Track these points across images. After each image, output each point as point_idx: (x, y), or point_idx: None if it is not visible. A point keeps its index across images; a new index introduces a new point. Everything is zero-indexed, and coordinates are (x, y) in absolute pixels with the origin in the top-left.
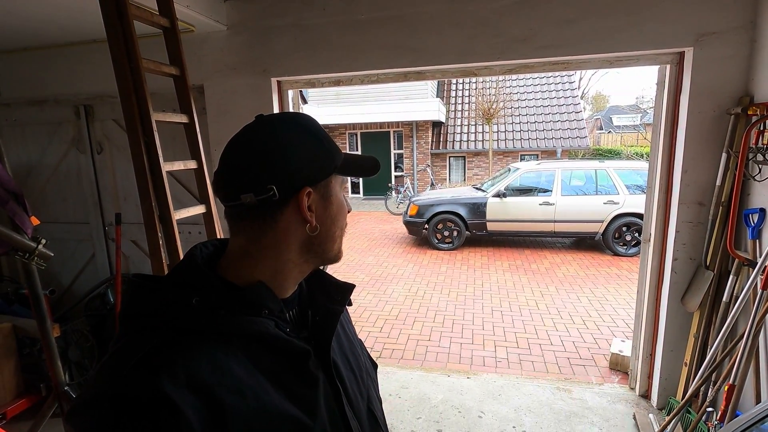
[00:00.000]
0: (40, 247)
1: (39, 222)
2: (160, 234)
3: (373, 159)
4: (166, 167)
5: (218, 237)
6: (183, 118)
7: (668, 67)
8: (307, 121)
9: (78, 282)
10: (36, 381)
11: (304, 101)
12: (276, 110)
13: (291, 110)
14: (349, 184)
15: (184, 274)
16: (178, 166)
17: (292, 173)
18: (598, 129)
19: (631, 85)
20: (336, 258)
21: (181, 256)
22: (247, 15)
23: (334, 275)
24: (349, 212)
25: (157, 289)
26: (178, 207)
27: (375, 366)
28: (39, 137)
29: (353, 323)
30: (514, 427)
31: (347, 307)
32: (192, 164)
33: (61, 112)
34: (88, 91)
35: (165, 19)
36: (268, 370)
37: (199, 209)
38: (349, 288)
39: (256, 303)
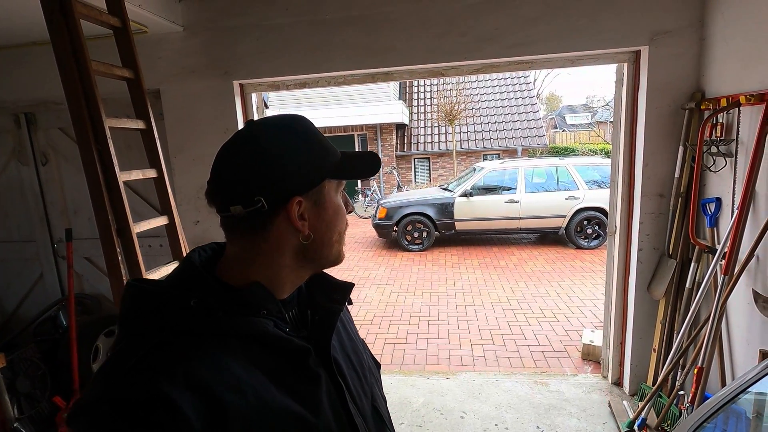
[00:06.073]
0: None
1: None
2: (118, 249)
3: (372, 156)
4: (122, 177)
5: (183, 249)
6: (139, 124)
7: (626, 65)
8: (300, 125)
9: (25, 305)
10: None
11: (266, 106)
12: (239, 114)
13: (269, 114)
14: None
15: (182, 277)
16: (136, 175)
17: (280, 183)
18: (553, 128)
19: (582, 86)
20: (335, 261)
21: (143, 271)
22: (204, 15)
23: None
24: (350, 212)
25: (155, 292)
26: (137, 219)
27: (378, 365)
28: None
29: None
30: (496, 424)
31: (348, 306)
32: (151, 173)
33: None
34: (28, 97)
35: (115, 19)
36: (268, 369)
37: (161, 221)
38: (348, 287)
39: (253, 303)
